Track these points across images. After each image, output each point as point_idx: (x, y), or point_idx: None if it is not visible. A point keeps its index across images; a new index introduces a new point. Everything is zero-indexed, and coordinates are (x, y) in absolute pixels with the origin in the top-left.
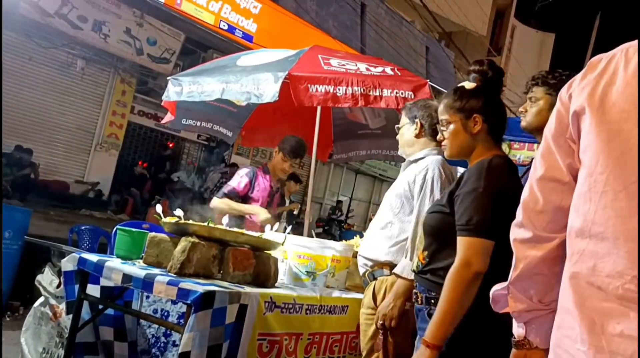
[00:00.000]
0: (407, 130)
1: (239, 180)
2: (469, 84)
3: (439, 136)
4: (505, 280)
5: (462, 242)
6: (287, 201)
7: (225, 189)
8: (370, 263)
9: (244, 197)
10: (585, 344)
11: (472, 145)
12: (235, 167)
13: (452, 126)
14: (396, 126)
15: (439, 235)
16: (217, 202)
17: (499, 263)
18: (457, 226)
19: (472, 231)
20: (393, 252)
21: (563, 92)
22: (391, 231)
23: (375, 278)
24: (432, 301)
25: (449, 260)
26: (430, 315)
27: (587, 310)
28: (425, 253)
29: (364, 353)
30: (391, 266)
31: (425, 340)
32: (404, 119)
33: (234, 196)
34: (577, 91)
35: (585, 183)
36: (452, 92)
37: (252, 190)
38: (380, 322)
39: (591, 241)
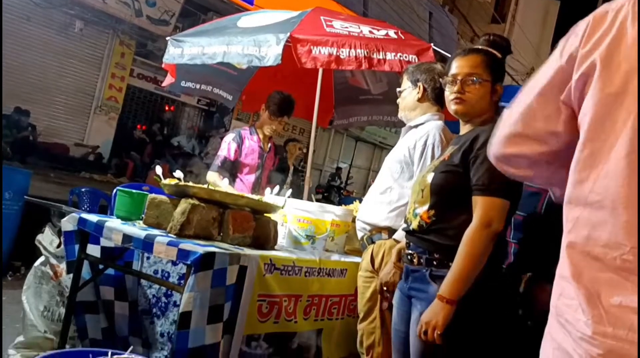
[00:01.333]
0: (408, 94)
1: (227, 147)
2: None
3: (456, 88)
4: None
5: (482, 202)
6: (291, 166)
7: (218, 161)
8: (368, 228)
9: (234, 163)
10: (585, 314)
11: (486, 110)
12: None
13: (482, 85)
14: (398, 89)
15: (449, 194)
16: (212, 177)
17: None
18: (475, 186)
19: (494, 191)
20: (392, 217)
21: (572, 46)
22: (390, 197)
23: (373, 242)
24: (435, 263)
25: (458, 220)
26: (432, 277)
27: (584, 281)
28: (432, 212)
29: (360, 315)
30: (390, 231)
31: (443, 296)
32: (406, 83)
33: (228, 165)
34: (583, 51)
35: (586, 148)
36: (488, 52)
37: (241, 154)
38: (384, 289)
39: (586, 209)
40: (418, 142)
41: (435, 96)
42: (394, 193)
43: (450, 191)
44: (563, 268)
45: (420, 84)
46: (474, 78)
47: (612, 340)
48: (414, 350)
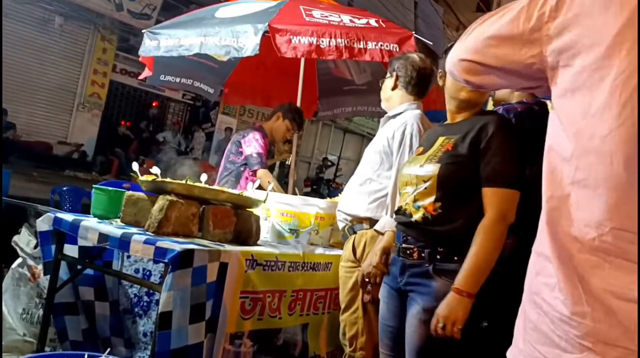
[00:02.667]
0: (385, 83)
1: (260, 144)
2: None
3: None
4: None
5: (496, 194)
6: (277, 163)
7: (262, 158)
8: (349, 218)
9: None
10: (563, 293)
11: (482, 101)
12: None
13: None
14: (380, 80)
15: (456, 186)
16: (263, 174)
17: None
18: (487, 178)
19: (507, 183)
20: (372, 208)
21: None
22: (370, 188)
23: (355, 232)
24: (439, 256)
25: (465, 212)
26: (436, 271)
27: (564, 260)
28: (438, 204)
29: (342, 306)
30: (371, 221)
31: (461, 289)
32: (388, 73)
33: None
34: (561, 20)
35: (574, 124)
36: None
37: None
38: (366, 280)
39: (573, 187)
40: (396, 132)
41: (406, 85)
42: (374, 184)
43: (458, 183)
44: (542, 245)
45: (395, 72)
46: None
47: (590, 321)
48: (412, 346)
